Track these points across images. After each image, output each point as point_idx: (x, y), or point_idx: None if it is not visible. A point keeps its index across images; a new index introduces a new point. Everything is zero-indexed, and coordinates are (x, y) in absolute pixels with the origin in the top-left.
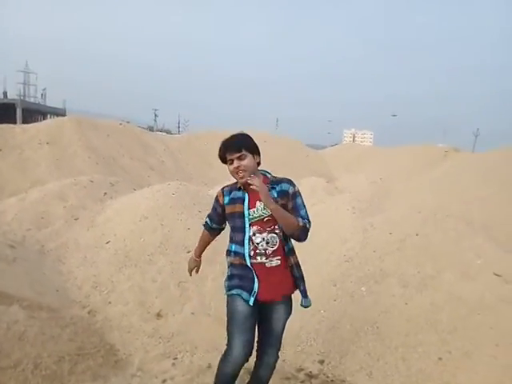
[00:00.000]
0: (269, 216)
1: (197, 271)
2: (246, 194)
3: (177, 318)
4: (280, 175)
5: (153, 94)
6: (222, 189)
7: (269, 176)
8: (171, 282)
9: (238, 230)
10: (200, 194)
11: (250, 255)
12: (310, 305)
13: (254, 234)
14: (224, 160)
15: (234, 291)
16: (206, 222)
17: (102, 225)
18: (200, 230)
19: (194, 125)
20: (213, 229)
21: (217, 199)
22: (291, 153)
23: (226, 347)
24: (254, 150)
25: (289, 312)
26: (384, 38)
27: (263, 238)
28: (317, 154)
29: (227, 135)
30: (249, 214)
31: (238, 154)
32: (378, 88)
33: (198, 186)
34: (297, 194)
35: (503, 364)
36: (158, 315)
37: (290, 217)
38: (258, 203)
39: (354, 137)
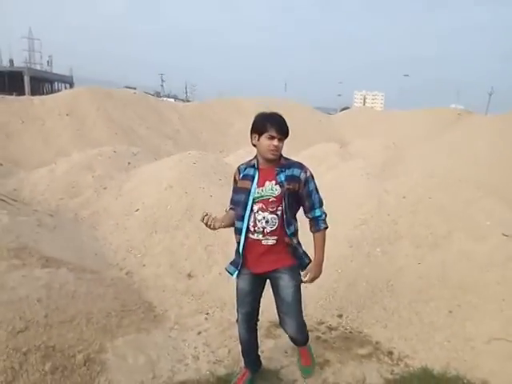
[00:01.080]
0: (274, 197)
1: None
2: (257, 172)
3: (206, 278)
4: (294, 142)
5: (158, 60)
6: (238, 167)
7: (281, 161)
8: (199, 246)
9: (241, 205)
10: (218, 163)
11: (247, 230)
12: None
13: (257, 212)
14: (260, 130)
15: (231, 271)
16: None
17: (130, 193)
18: (221, 196)
19: (201, 90)
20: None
21: (234, 179)
22: (304, 120)
23: None
24: (287, 137)
25: (295, 279)
26: None
27: (264, 217)
28: (329, 119)
29: (238, 102)
30: (255, 192)
31: (281, 136)
32: (390, 48)
33: (214, 155)
34: (309, 180)
35: (508, 315)
36: (189, 276)
37: (325, 238)
38: (267, 183)
39: (364, 98)
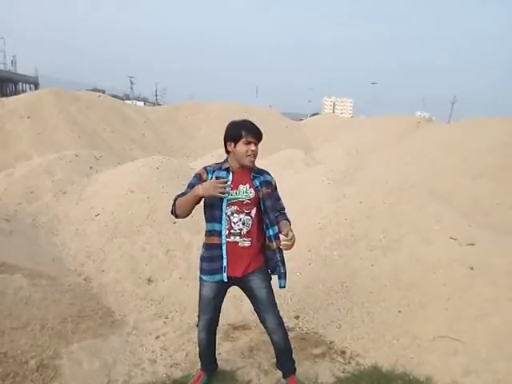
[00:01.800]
0: (248, 200)
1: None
2: (231, 175)
3: (166, 283)
4: (261, 148)
5: (128, 61)
6: (205, 168)
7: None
8: (159, 251)
9: (216, 208)
10: (183, 168)
11: (225, 234)
12: (285, 286)
13: (232, 214)
14: (235, 137)
15: (203, 277)
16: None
17: (90, 198)
18: None
19: (171, 93)
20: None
21: (199, 177)
22: (271, 124)
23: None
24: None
25: (267, 279)
26: (365, 7)
27: (240, 219)
28: (296, 125)
29: (205, 107)
30: (229, 194)
31: (258, 141)
32: (359, 57)
33: (180, 159)
34: (276, 186)
35: (453, 315)
36: (149, 280)
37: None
38: (241, 186)
39: (334, 105)
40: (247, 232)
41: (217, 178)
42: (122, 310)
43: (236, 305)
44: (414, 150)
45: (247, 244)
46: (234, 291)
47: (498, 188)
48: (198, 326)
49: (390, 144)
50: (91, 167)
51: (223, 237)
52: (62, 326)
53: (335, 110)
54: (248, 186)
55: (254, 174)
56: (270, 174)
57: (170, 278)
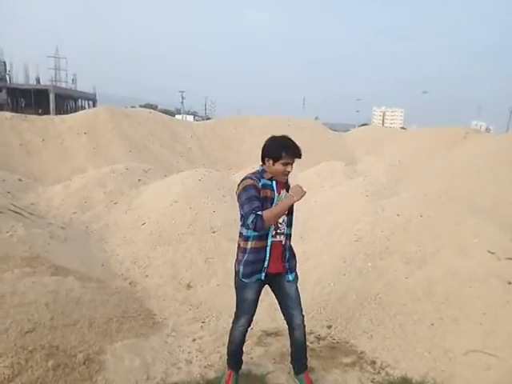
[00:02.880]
0: None
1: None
2: (275, 183)
3: (204, 289)
4: (302, 160)
5: (179, 77)
6: (251, 178)
7: None
8: (199, 259)
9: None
10: (224, 180)
11: (272, 234)
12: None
13: None
14: (275, 156)
15: (246, 280)
16: (257, 215)
17: (138, 208)
18: (223, 212)
19: (220, 107)
20: None
21: (255, 186)
22: (313, 136)
23: (234, 317)
24: None
25: (297, 278)
26: (415, 16)
27: (283, 220)
28: (339, 137)
29: (250, 120)
30: (277, 199)
31: (294, 161)
32: (410, 65)
33: (223, 171)
34: None
35: (487, 329)
36: (189, 286)
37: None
38: (282, 191)
39: (383, 115)
40: (285, 232)
41: (266, 185)
42: (163, 313)
43: (269, 313)
44: (460, 162)
45: (288, 241)
46: (269, 298)
47: None
48: (234, 323)
49: (434, 156)
50: (140, 179)
51: (270, 239)
52: (108, 325)
53: (385, 121)
54: (284, 190)
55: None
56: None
57: (208, 284)
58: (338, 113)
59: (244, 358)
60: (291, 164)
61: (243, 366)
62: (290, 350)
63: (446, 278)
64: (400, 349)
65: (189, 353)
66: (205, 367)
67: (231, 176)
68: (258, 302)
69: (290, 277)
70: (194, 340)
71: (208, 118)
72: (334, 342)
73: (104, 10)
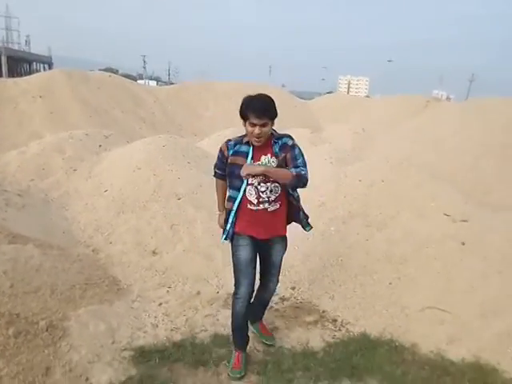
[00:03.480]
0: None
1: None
2: (251, 149)
3: (170, 255)
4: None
5: (140, 39)
6: (226, 143)
7: (274, 133)
8: (164, 225)
9: (237, 177)
10: (189, 147)
11: (250, 202)
12: (311, 228)
13: (258, 184)
14: (244, 117)
15: (234, 241)
16: (215, 172)
17: (99, 175)
18: (188, 179)
19: (183, 72)
20: (223, 175)
21: (222, 151)
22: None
23: (234, 289)
24: (274, 117)
25: (285, 247)
26: None
27: (267, 187)
28: (304, 105)
29: (215, 86)
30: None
31: (263, 122)
32: (375, 33)
33: (188, 138)
34: (294, 146)
35: (442, 287)
36: (154, 253)
37: (283, 172)
38: (262, 157)
39: (349, 83)
40: (276, 197)
41: (238, 152)
42: (128, 280)
43: None
44: (421, 129)
45: (276, 207)
46: None
47: (500, 167)
48: (235, 296)
49: (397, 123)
50: (100, 146)
51: (236, 203)
52: (71, 292)
53: (350, 89)
54: (270, 155)
55: (274, 140)
56: (289, 137)
57: (174, 250)
58: (305, 81)
59: (211, 319)
60: (259, 126)
61: (210, 328)
62: (251, 302)
63: (405, 240)
64: (360, 307)
65: (155, 317)
66: (171, 330)
67: (196, 143)
68: (255, 263)
69: (279, 246)
70: (160, 304)
71: (172, 84)
72: (298, 302)
73: None
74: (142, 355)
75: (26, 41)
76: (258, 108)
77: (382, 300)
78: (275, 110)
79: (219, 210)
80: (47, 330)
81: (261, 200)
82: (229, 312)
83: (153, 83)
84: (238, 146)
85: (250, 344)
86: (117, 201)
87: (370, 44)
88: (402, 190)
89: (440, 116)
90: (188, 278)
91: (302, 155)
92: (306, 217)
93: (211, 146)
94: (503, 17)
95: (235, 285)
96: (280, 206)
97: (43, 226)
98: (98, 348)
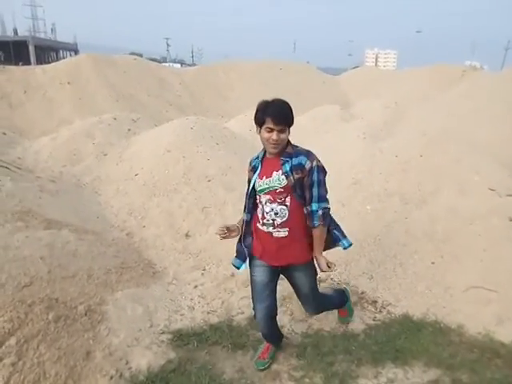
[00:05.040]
0: (281, 188)
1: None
2: (260, 164)
3: (203, 238)
4: (298, 104)
5: (164, 24)
6: (251, 160)
7: (290, 147)
8: (195, 208)
9: (245, 196)
10: (217, 127)
11: (259, 221)
12: (351, 244)
13: (265, 203)
14: (259, 122)
15: (237, 264)
16: (243, 207)
17: (130, 159)
18: (217, 160)
19: (207, 53)
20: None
21: (248, 170)
22: (306, 80)
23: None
24: (291, 124)
25: (310, 275)
26: None
27: (272, 209)
28: (333, 80)
29: (240, 65)
30: (263, 183)
31: (280, 127)
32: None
33: (215, 119)
34: (313, 170)
35: (488, 266)
36: (187, 235)
37: (323, 239)
38: (274, 173)
39: (376, 57)
40: (282, 222)
41: (252, 167)
42: (163, 263)
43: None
44: (457, 101)
45: (283, 234)
46: None
47: None
48: (255, 317)
49: (431, 95)
50: (129, 130)
51: (244, 225)
52: (107, 276)
53: (378, 63)
54: (280, 172)
55: (283, 158)
56: (307, 156)
57: (207, 233)
58: (330, 57)
59: (246, 301)
60: (277, 131)
61: (246, 310)
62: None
63: (447, 216)
64: (401, 288)
65: (191, 299)
66: (208, 313)
67: (223, 124)
68: (272, 287)
69: (299, 274)
70: (196, 287)
71: (196, 66)
72: (335, 283)
73: None
74: (180, 338)
75: (52, 29)
76: (276, 112)
77: (425, 280)
78: (293, 116)
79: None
80: (86, 315)
81: (264, 221)
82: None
83: (177, 66)
84: (254, 161)
85: (288, 326)
86: (148, 184)
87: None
88: (441, 165)
89: (478, 86)
90: (222, 260)
91: (322, 183)
92: (339, 231)
93: (238, 127)
94: None
95: (253, 307)
96: (289, 234)
97: (77, 211)
98: (136, 332)
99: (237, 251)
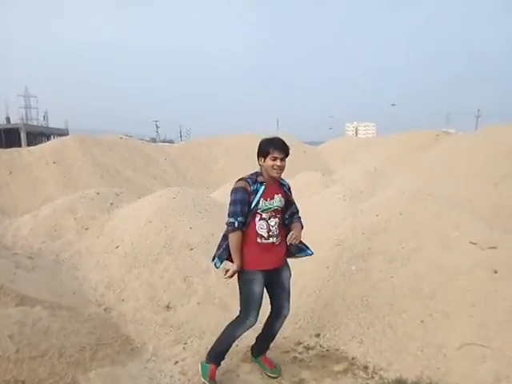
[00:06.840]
0: (281, 207)
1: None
2: (263, 187)
3: (185, 309)
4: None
5: (153, 108)
6: (245, 180)
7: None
8: (177, 278)
9: (239, 213)
10: (200, 196)
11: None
12: (312, 252)
13: (269, 219)
14: (264, 153)
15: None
16: (237, 223)
17: (111, 232)
18: (200, 228)
19: (195, 134)
20: (244, 224)
21: (244, 189)
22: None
23: (239, 314)
24: (288, 155)
25: (290, 271)
26: (376, 32)
27: (275, 222)
28: (314, 150)
29: (224, 140)
30: (268, 203)
31: (284, 156)
32: (377, 81)
33: (199, 190)
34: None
35: (479, 321)
36: (168, 307)
37: (300, 228)
38: (276, 196)
39: (356, 130)
40: (279, 232)
41: (254, 190)
42: (141, 338)
43: (258, 328)
44: (434, 162)
45: (281, 240)
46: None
47: None
48: (235, 324)
49: (408, 159)
50: (112, 203)
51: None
52: (80, 354)
53: (358, 135)
54: (280, 195)
55: (282, 182)
56: (286, 181)
57: (189, 303)
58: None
59: (230, 375)
60: (280, 159)
61: None
62: (259, 335)
63: (432, 272)
64: (392, 350)
65: (171, 377)
66: None
67: (208, 195)
68: (263, 295)
69: (285, 271)
70: (176, 363)
71: None
72: (324, 350)
73: (71, 44)
74: None
75: (44, 116)
76: (279, 144)
77: (416, 340)
78: (289, 149)
79: (237, 267)
80: None
81: (271, 234)
82: (250, 366)
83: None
84: (255, 185)
85: None
86: (129, 256)
87: (374, 91)
88: (421, 221)
89: (452, 147)
90: (205, 332)
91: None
92: (303, 244)
93: (222, 197)
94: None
95: (245, 313)
96: (281, 240)
97: (53, 287)
98: None
99: (219, 256)
